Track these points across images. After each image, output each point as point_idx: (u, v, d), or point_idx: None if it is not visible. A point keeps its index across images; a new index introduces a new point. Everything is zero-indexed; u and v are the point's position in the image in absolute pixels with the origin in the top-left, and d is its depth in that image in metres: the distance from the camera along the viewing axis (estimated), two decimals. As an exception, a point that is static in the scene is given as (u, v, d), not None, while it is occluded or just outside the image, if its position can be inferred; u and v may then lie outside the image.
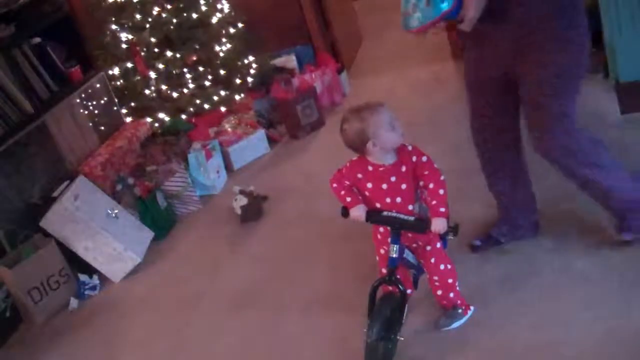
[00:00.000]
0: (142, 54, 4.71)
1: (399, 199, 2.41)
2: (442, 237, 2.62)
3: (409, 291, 2.64)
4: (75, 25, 4.78)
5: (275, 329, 2.95)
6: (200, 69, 4.82)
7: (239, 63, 4.98)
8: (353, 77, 5.61)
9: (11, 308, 3.57)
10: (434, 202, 2.36)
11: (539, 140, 2.52)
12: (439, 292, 2.60)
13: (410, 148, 2.43)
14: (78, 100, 4.51)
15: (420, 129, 4.34)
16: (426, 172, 2.38)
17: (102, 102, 4.75)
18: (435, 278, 2.57)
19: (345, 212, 2.44)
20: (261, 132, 4.75)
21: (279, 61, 5.29)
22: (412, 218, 2.36)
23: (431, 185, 2.37)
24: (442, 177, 2.39)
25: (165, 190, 4.17)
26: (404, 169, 2.40)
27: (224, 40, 4.90)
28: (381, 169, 2.40)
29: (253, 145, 4.70)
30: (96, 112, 4.67)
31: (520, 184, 2.88)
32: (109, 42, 4.80)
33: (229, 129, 4.76)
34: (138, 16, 4.69)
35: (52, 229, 3.71)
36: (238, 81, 4.95)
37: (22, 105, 4.06)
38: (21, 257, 3.59)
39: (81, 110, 4.52)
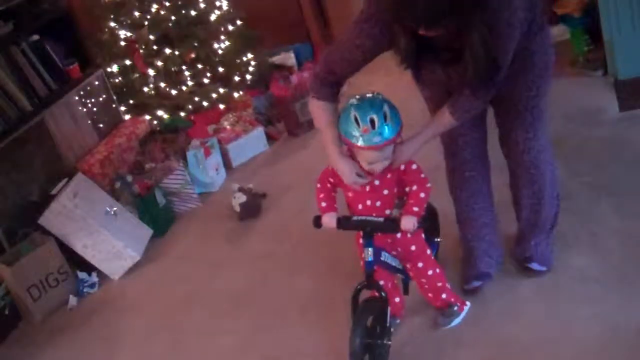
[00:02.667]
0: (141, 51, 4.70)
1: (378, 203, 2.41)
2: (430, 243, 2.65)
3: (396, 299, 2.64)
4: (73, 23, 4.79)
5: (273, 328, 2.95)
6: (199, 66, 4.81)
7: (238, 60, 4.98)
8: (351, 74, 5.59)
9: (10, 306, 3.56)
10: (410, 202, 2.34)
11: (532, 140, 2.51)
12: (430, 295, 2.59)
13: None
14: (77, 98, 4.50)
15: (415, 128, 4.33)
16: (415, 185, 2.37)
17: (101, 99, 4.75)
18: (424, 281, 2.57)
19: (317, 221, 2.40)
20: (260, 130, 4.75)
21: (277, 59, 5.29)
22: (381, 219, 2.34)
23: (414, 188, 2.36)
24: (428, 185, 2.37)
25: (164, 188, 4.17)
26: (389, 175, 2.38)
27: (222, 37, 4.90)
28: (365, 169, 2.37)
29: (252, 143, 4.69)
30: (95, 109, 4.66)
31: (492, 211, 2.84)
32: (108, 40, 4.80)
33: (228, 127, 4.75)
34: (136, 13, 4.68)
35: (50, 227, 3.71)
36: (237, 79, 4.95)
37: (20, 103, 4.06)
38: (20, 255, 3.59)
39: (80, 108, 4.52)
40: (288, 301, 3.08)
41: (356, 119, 2.22)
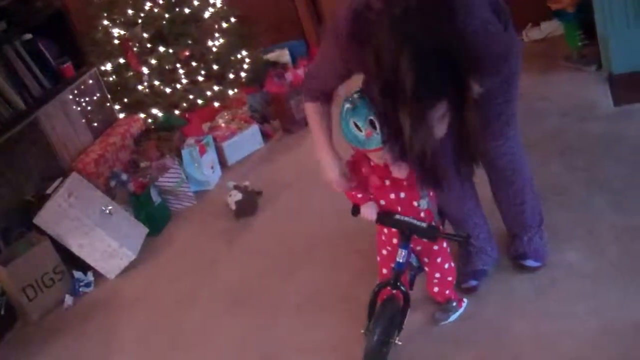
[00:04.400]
0: (135, 49, 4.69)
1: (402, 194, 2.37)
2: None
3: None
4: (67, 21, 4.76)
5: (270, 326, 2.95)
6: (193, 64, 4.80)
7: (232, 58, 4.97)
8: (346, 71, 5.59)
9: (6, 306, 3.56)
10: None
11: (503, 146, 2.51)
12: (436, 289, 2.60)
13: None
14: (70, 97, 4.49)
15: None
16: None
17: (95, 98, 4.74)
18: (437, 275, 2.57)
19: (355, 210, 2.38)
20: (255, 127, 4.74)
21: (272, 56, 5.29)
22: (424, 224, 2.31)
23: None
24: None
25: (160, 186, 4.16)
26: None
27: (216, 35, 4.89)
28: (382, 165, 2.34)
29: (247, 140, 4.69)
30: (89, 108, 4.65)
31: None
32: (101, 38, 4.78)
33: (223, 124, 4.75)
34: (130, 11, 4.67)
35: (46, 226, 3.70)
36: (231, 76, 4.94)
37: (14, 102, 4.04)
38: (15, 255, 3.58)
39: (74, 107, 4.50)
40: (285, 298, 3.08)
41: (356, 125, 2.18)
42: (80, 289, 3.71)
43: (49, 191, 3.86)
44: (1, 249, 3.68)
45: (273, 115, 4.95)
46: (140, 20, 4.68)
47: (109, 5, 4.72)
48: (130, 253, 3.78)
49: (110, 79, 4.89)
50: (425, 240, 2.41)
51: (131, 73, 4.78)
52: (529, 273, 2.70)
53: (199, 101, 4.80)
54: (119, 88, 4.90)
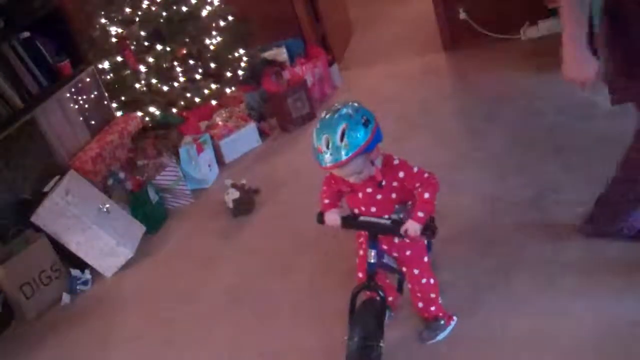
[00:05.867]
0: (132, 47, 4.69)
1: (373, 209, 2.38)
2: (428, 243, 2.64)
3: (390, 298, 2.63)
4: (64, 20, 4.76)
5: (267, 324, 2.95)
6: (191, 62, 4.80)
7: (230, 56, 4.96)
8: (344, 69, 5.60)
9: (3, 304, 3.56)
10: (415, 207, 2.30)
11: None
12: (420, 305, 2.57)
13: (396, 162, 2.35)
14: (68, 95, 4.49)
15: (411, 121, 4.35)
16: (418, 184, 2.32)
17: (92, 96, 4.73)
18: (417, 288, 2.54)
19: (320, 217, 2.40)
20: (252, 125, 4.74)
21: (269, 54, 5.28)
22: (388, 222, 2.32)
23: (419, 189, 2.32)
24: (433, 181, 2.32)
25: (157, 185, 4.16)
26: (383, 182, 2.33)
27: (214, 33, 4.88)
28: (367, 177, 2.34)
29: (244, 139, 4.69)
30: (86, 106, 4.65)
31: None
32: (99, 36, 4.78)
33: (220, 123, 4.75)
34: (127, 10, 4.67)
35: (43, 224, 3.70)
36: (229, 74, 4.93)
37: (11, 100, 4.04)
38: (12, 253, 3.58)
39: (71, 105, 4.50)
40: (282, 296, 3.08)
41: (314, 139, 2.21)
42: (78, 287, 3.71)
43: (46, 189, 3.86)
44: (-2, 247, 3.68)
45: (270, 113, 4.95)
46: (137, 19, 4.67)
47: (107, 3, 4.71)
48: (128, 251, 3.78)
49: (108, 77, 4.88)
50: (392, 235, 2.38)
51: (128, 71, 4.77)
52: (526, 270, 2.71)
53: (197, 99, 4.80)
54: (116, 86, 4.89)
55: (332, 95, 5.20)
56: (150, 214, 4.05)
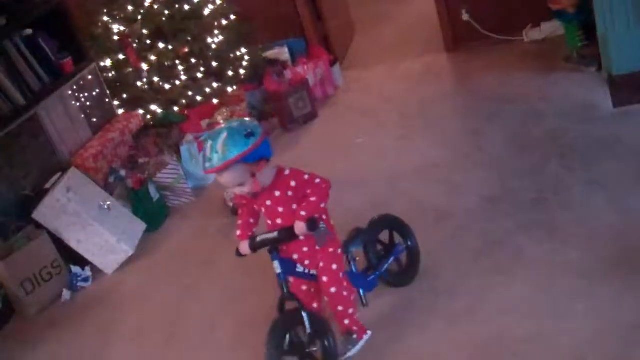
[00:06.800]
0: (134, 45, 4.69)
1: (279, 220, 2.47)
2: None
3: (314, 305, 2.62)
4: (66, 17, 4.75)
5: (267, 322, 2.94)
6: (193, 60, 4.80)
7: (232, 55, 4.97)
8: (346, 69, 5.60)
9: (4, 299, 3.56)
10: (299, 207, 2.40)
11: None
12: (335, 315, 2.57)
13: (287, 172, 2.45)
14: (70, 92, 4.49)
15: (412, 121, 4.36)
16: (309, 190, 2.41)
17: (94, 93, 4.73)
18: (327, 298, 2.56)
19: (237, 251, 2.53)
20: (254, 125, 4.73)
21: (271, 53, 5.28)
22: (275, 233, 2.42)
23: (308, 193, 2.41)
24: (325, 186, 2.42)
25: (158, 182, 4.16)
26: (277, 193, 2.43)
27: (216, 32, 4.89)
28: (261, 192, 2.43)
29: (246, 138, 4.68)
30: (88, 103, 4.65)
31: None
32: (101, 34, 4.78)
33: (222, 121, 4.74)
34: (130, 8, 4.67)
35: (44, 221, 3.70)
36: (230, 73, 4.94)
37: (13, 97, 4.04)
38: (13, 249, 3.58)
39: (73, 102, 4.50)
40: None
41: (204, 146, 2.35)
42: (78, 284, 3.71)
43: (47, 186, 3.86)
44: (-1, 243, 3.68)
45: (271, 113, 4.95)
46: (140, 17, 4.67)
47: (109, 1, 4.72)
48: (128, 248, 3.78)
49: (110, 74, 4.88)
50: (287, 242, 2.45)
51: (130, 69, 4.78)
52: (526, 270, 2.71)
53: (198, 98, 4.80)
54: (118, 84, 4.89)
55: (333, 95, 5.20)
56: (151, 211, 4.05)
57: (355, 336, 2.55)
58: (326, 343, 2.46)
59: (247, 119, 2.45)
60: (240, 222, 2.56)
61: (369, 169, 3.94)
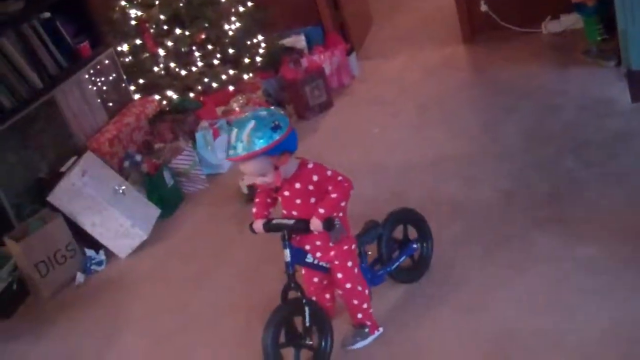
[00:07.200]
0: (151, 31, 4.69)
1: (294, 212, 2.47)
2: (406, 246, 2.74)
3: (327, 296, 2.65)
4: (84, 1, 4.77)
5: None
6: (209, 47, 4.80)
7: (248, 42, 4.96)
8: (362, 58, 5.58)
9: (18, 281, 3.59)
10: (318, 204, 2.38)
11: None
12: (349, 310, 2.59)
13: (310, 166, 2.43)
14: (87, 76, 4.51)
15: (429, 113, 4.34)
16: (330, 187, 2.39)
17: (111, 78, 4.75)
18: (340, 293, 2.58)
19: (251, 227, 2.54)
20: (269, 112, 4.73)
21: (288, 41, 5.27)
22: (292, 221, 2.42)
23: (330, 192, 2.39)
24: (346, 184, 2.40)
25: (173, 168, 4.18)
26: (297, 185, 2.41)
27: (233, 19, 4.88)
28: (282, 181, 2.43)
29: (261, 125, 4.68)
30: (105, 88, 4.67)
31: None
32: (118, 19, 4.79)
33: (237, 108, 4.75)
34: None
35: (59, 204, 3.72)
36: (247, 60, 4.94)
37: (31, 80, 4.07)
38: (28, 231, 3.61)
39: (90, 86, 4.52)
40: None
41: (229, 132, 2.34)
42: (92, 267, 3.74)
43: (63, 169, 3.89)
44: (14, 225, 3.71)
45: (287, 100, 4.94)
46: (157, 2, 4.67)
47: (127, -14, 4.73)
48: (142, 233, 3.80)
49: (127, 59, 4.89)
50: (300, 233, 2.45)
51: (147, 54, 4.79)
52: (538, 265, 2.69)
53: (214, 84, 4.81)
54: (134, 69, 4.91)
55: (349, 84, 5.19)
56: (166, 197, 4.06)
57: (367, 330, 2.56)
58: (323, 343, 2.48)
59: (275, 109, 2.40)
60: (257, 200, 2.54)
61: (384, 159, 3.93)
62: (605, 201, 2.97)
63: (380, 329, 2.60)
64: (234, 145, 2.26)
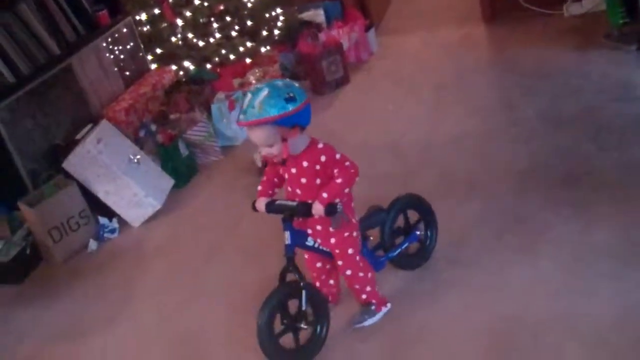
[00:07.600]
0: (170, 0, 4.67)
1: (298, 191, 2.44)
2: (410, 232, 2.73)
3: (331, 282, 2.65)
4: (104, -32, 4.75)
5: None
6: (227, 19, 4.78)
7: (267, 15, 4.93)
8: (381, 35, 5.54)
9: (31, 246, 3.62)
10: (322, 188, 2.36)
11: None
12: (357, 286, 2.57)
13: (320, 146, 2.39)
14: (104, 44, 4.50)
15: (447, 91, 4.31)
16: (336, 170, 2.36)
17: (128, 47, 4.74)
18: (344, 278, 2.57)
19: (253, 205, 2.53)
20: (285, 86, 4.71)
21: (306, 15, 5.23)
22: (295, 203, 2.40)
23: (336, 174, 2.36)
24: (353, 170, 2.37)
25: (187, 139, 4.18)
26: (305, 164, 2.38)
27: (252, -10, 4.86)
28: (289, 158, 2.39)
29: (277, 99, 4.67)
30: (122, 57, 4.66)
31: None
32: (137, -13, 4.78)
33: (254, 81, 4.73)
34: (167, -38, 4.65)
35: (74, 171, 3.74)
36: (265, 33, 4.91)
37: (49, 47, 4.07)
38: (43, 197, 3.63)
39: (107, 55, 4.52)
40: (301, 254, 3.09)
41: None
42: (105, 235, 3.76)
43: (78, 136, 3.90)
44: (30, 190, 3.73)
45: (304, 75, 4.92)
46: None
47: (147, -46, 4.70)
48: (156, 203, 3.81)
49: (145, 29, 4.88)
50: (302, 216, 2.42)
51: (165, 24, 4.77)
52: (552, 248, 2.68)
53: (231, 56, 4.79)
54: (152, 38, 4.89)
55: (367, 60, 5.15)
56: (180, 167, 4.07)
57: (373, 307, 2.56)
58: (318, 327, 2.48)
59: (294, 82, 2.37)
60: (264, 178, 2.54)
61: (400, 136, 3.91)
62: (622, 186, 2.94)
63: (389, 305, 2.60)
64: (244, 110, 2.26)
